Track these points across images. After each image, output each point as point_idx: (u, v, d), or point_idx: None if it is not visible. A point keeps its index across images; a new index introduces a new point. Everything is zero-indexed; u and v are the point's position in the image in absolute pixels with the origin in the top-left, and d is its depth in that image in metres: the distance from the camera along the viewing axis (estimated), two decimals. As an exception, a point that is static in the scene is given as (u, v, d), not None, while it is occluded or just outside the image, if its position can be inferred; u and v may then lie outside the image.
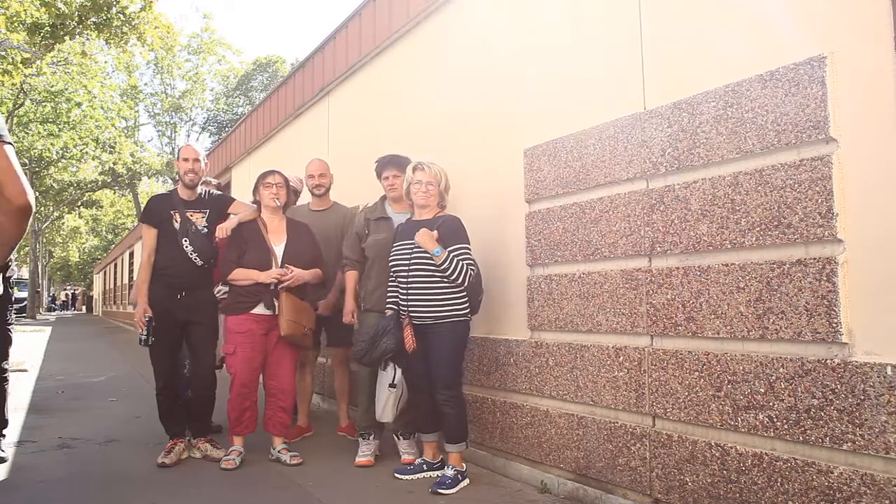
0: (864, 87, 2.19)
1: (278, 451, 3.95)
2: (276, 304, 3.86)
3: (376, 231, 3.92)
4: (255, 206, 4.10)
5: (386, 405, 3.55)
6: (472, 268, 3.42)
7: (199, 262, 4.00)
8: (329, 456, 4.13)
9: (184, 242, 3.99)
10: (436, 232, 3.42)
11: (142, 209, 4.51)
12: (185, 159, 4.11)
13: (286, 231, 4.07)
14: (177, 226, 4.02)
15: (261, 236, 3.98)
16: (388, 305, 3.62)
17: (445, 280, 3.39)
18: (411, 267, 3.47)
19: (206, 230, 4.07)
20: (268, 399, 4.02)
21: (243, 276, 3.88)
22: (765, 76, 2.44)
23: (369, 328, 3.65)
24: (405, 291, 3.50)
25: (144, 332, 3.88)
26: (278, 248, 3.98)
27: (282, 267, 3.89)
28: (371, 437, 3.91)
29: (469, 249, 3.46)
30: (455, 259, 3.37)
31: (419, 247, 3.43)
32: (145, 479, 3.59)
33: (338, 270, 4.38)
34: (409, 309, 3.47)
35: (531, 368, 3.48)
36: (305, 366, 4.75)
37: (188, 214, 4.06)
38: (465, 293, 3.45)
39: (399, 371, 3.53)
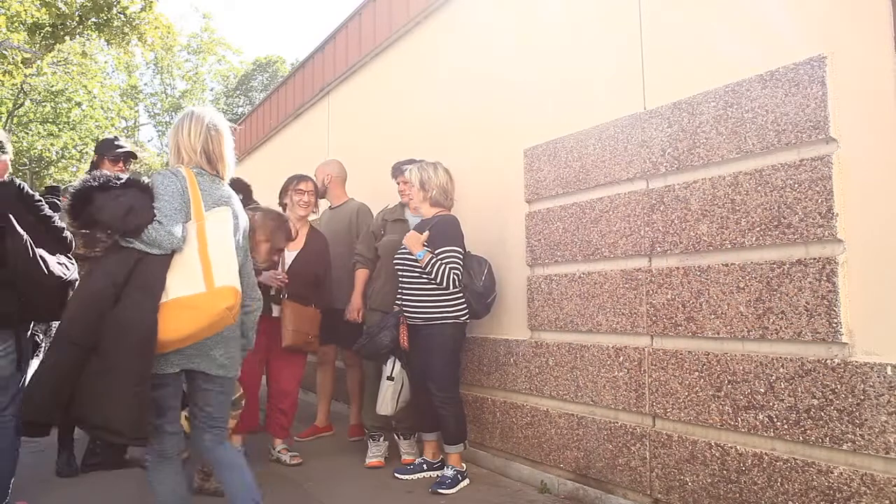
0: (864, 87, 2.19)
1: (278, 452, 3.95)
2: (280, 309, 3.85)
3: (391, 232, 3.94)
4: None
5: (384, 398, 3.57)
6: (456, 271, 3.39)
7: None
8: (329, 456, 4.13)
9: None
10: (426, 234, 3.44)
11: None
12: None
13: (304, 241, 4.02)
14: None
15: None
16: (395, 301, 3.67)
17: (434, 282, 3.40)
18: (404, 268, 3.52)
19: None
20: (268, 400, 4.03)
21: None
22: (765, 76, 2.44)
23: (372, 325, 3.71)
24: (400, 292, 3.56)
25: None
26: (289, 255, 3.96)
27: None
28: (381, 439, 3.91)
29: (456, 251, 3.43)
30: (437, 262, 3.37)
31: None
32: (145, 477, 3.58)
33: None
34: (403, 309, 3.51)
35: (531, 368, 3.48)
36: (325, 364, 4.73)
37: None
38: (461, 296, 3.45)
39: (398, 365, 3.55)
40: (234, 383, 2.48)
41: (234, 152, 2.39)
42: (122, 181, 2.08)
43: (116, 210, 2.00)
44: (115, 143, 3.88)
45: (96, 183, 2.03)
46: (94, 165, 3.83)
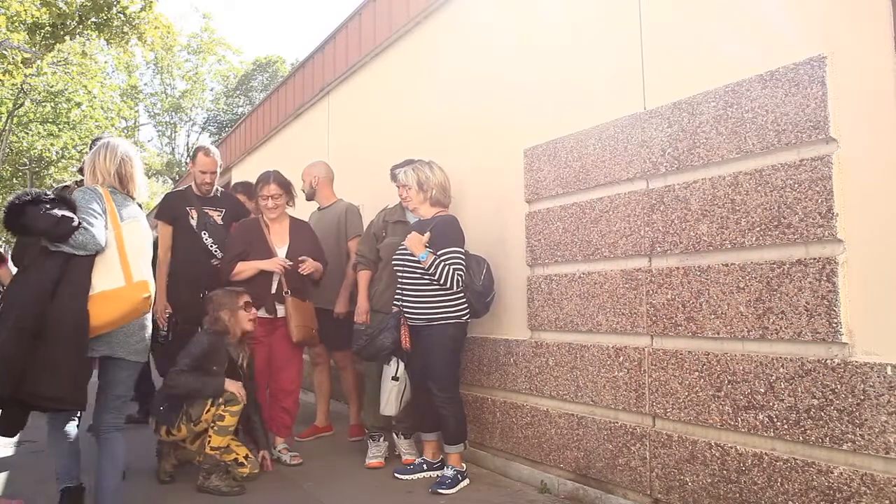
0: (864, 87, 2.19)
1: (279, 451, 3.95)
2: (284, 308, 3.86)
3: (393, 234, 3.93)
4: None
5: (389, 398, 3.57)
6: (460, 271, 3.40)
7: (221, 255, 4.02)
8: (329, 456, 4.13)
9: (203, 235, 4.02)
10: (427, 234, 3.43)
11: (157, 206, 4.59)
12: (203, 172, 4.16)
13: (289, 233, 4.04)
14: (193, 222, 4.05)
15: (263, 238, 3.97)
16: (393, 302, 3.65)
17: (437, 283, 3.40)
18: (405, 269, 3.51)
19: (223, 225, 4.13)
20: (270, 399, 4.03)
21: (245, 267, 3.85)
22: (765, 76, 2.44)
23: (372, 326, 3.70)
24: (399, 292, 3.55)
25: (165, 329, 3.89)
26: (281, 251, 3.96)
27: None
28: (381, 439, 3.91)
29: (459, 252, 3.44)
30: (441, 263, 3.37)
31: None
32: (145, 477, 3.58)
33: (348, 269, 4.35)
34: (404, 309, 3.50)
35: (531, 368, 3.48)
36: (320, 364, 4.72)
37: (205, 210, 4.13)
38: (461, 295, 3.45)
39: (402, 365, 3.55)
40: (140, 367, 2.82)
41: (144, 177, 2.85)
42: (49, 196, 2.49)
43: (49, 220, 2.39)
44: None
45: (28, 198, 2.45)
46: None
